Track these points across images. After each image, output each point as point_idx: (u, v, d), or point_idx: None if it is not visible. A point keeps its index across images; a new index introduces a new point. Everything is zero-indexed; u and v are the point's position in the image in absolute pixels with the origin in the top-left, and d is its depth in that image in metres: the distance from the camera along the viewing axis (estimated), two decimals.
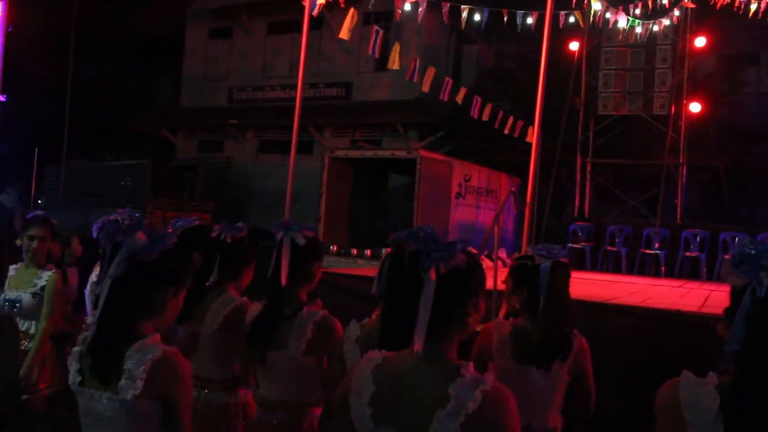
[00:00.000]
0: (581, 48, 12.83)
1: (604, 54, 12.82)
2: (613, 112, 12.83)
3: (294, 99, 18.89)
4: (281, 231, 2.80)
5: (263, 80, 19.96)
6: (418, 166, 11.36)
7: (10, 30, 4.97)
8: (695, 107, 12.56)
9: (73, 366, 2.07)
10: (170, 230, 2.95)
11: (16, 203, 19.00)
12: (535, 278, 2.60)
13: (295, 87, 19.26)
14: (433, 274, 1.70)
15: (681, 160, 12.34)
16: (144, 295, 2.04)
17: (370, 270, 8.79)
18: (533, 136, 11.41)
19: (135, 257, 2.03)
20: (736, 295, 1.61)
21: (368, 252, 12.07)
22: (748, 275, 1.55)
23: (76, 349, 2.08)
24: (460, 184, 12.35)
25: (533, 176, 7.27)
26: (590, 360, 2.62)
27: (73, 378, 2.06)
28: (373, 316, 2.66)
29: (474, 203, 12.86)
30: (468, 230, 12.22)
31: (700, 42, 12.47)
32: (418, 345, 1.69)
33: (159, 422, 1.98)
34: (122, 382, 1.94)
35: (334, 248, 11.93)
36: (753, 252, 1.56)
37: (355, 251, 11.93)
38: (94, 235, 2.27)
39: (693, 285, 8.91)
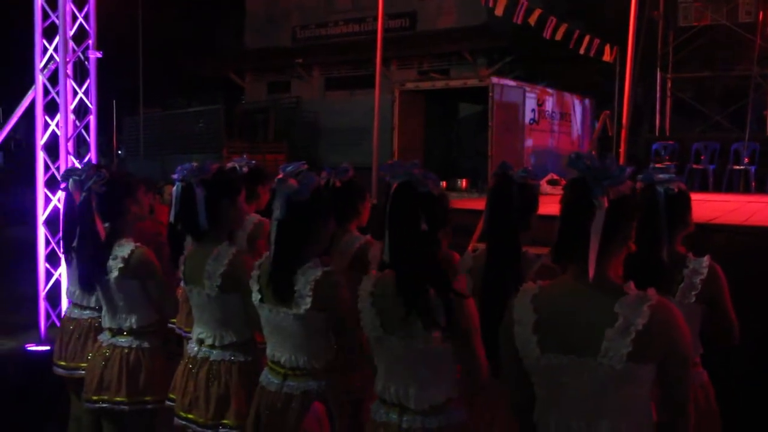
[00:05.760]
0: None
1: None
2: (695, 23, 12.23)
3: (358, 33, 18.91)
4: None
5: (326, 16, 19.76)
6: (490, 94, 11.09)
7: None
8: None
9: (254, 287, 2.54)
10: (280, 175, 3.04)
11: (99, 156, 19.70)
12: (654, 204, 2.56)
13: (358, 21, 19.31)
14: (605, 201, 1.70)
15: None
16: (305, 229, 2.43)
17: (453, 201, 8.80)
18: (610, 55, 11.08)
19: (291, 199, 2.37)
20: None
21: (443, 183, 12.00)
22: None
23: (254, 273, 2.55)
24: (533, 110, 12.07)
25: (629, 97, 7.03)
26: (725, 288, 2.53)
27: (255, 296, 2.54)
28: (470, 246, 2.67)
29: (548, 128, 12.57)
30: (544, 156, 12.00)
31: None
32: (591, 270, 1.69)
33: (327, 330, 2.44)
34: (295, 299, 2.37)
35: None
36: None
37: None
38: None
39: None
